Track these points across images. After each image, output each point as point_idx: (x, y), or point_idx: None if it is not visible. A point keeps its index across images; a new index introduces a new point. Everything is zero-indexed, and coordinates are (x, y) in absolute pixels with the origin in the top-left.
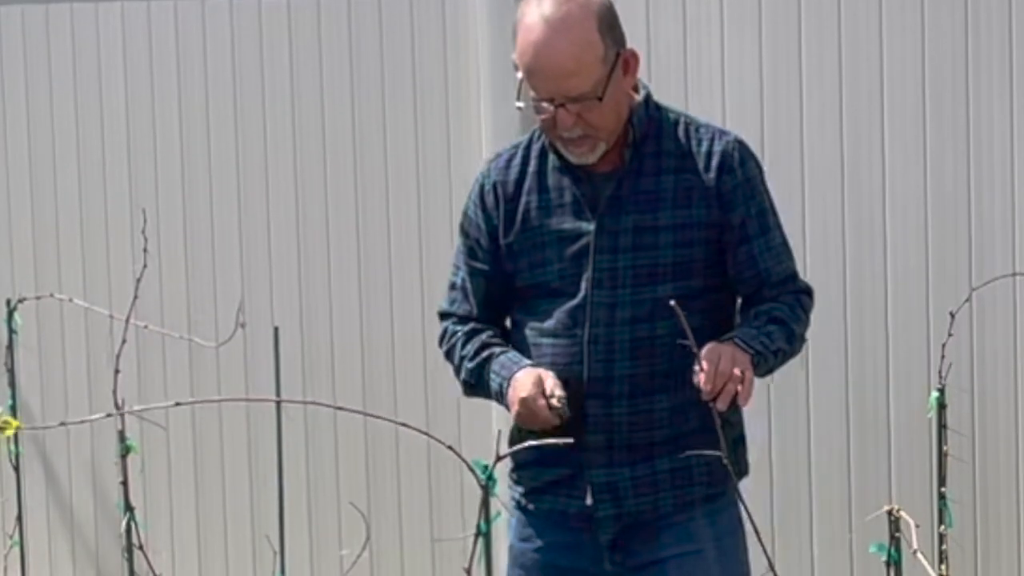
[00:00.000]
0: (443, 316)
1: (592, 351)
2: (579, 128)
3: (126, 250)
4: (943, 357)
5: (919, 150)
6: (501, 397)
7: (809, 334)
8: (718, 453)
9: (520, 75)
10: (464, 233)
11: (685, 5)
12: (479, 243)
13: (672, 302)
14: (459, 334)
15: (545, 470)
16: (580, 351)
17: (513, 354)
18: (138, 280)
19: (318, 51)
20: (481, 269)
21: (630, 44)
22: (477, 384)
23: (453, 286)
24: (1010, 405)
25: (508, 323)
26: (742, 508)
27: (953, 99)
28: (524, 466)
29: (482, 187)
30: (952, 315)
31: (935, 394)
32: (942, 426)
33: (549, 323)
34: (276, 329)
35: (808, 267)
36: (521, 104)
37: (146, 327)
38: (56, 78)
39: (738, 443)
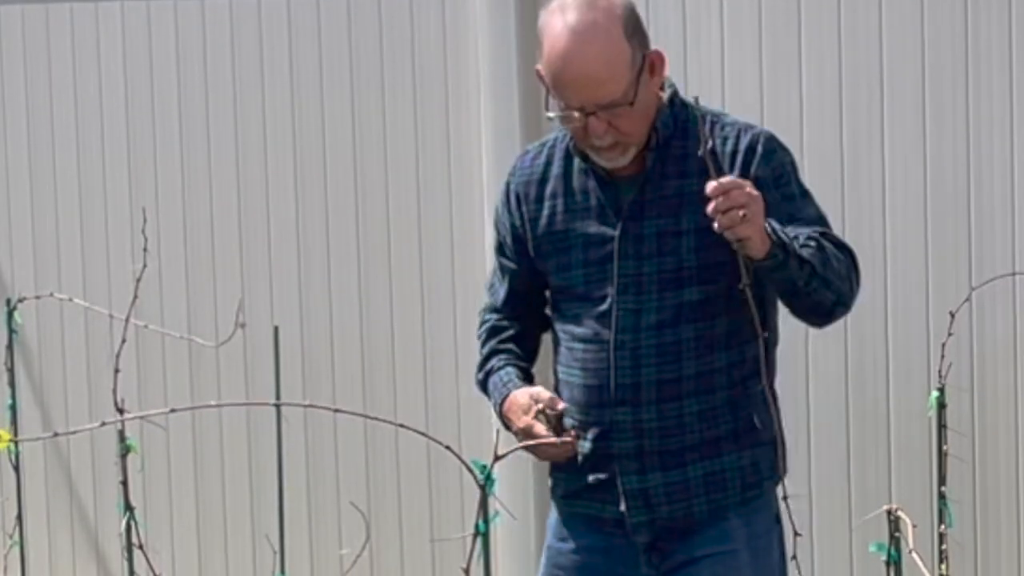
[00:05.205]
0: (484, 306)
1: (618, 357)
2: (610, 135)
3: (126, 250)
4: (943, 357)
5: (919, 149)
6: (500, 417)
7: (808, 333)
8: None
9: (547, 86)
10: (496, 228)
11: (684, 3)
12: (505, 240)
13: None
14: (484, 328)
15: (581, 475)
16: (607, 356)
17: (504, 372)
18: (138, 280)
19: (318, 51)
20: (507, 266)
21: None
22: (484, 391)
23: (490, 278)
24: (1010, 405)
25: (540, 318)
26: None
27: (953, 98)
28: (561, 468)
29: (508, 186)
30: (952, 315)
31: (935, 394)
32: (942, 426)
33: (579, 329)
34: (276, 329)
35: None
36: (551, 115)
37: (146, 327)
38: (56, 78)
39: (770, 446)
